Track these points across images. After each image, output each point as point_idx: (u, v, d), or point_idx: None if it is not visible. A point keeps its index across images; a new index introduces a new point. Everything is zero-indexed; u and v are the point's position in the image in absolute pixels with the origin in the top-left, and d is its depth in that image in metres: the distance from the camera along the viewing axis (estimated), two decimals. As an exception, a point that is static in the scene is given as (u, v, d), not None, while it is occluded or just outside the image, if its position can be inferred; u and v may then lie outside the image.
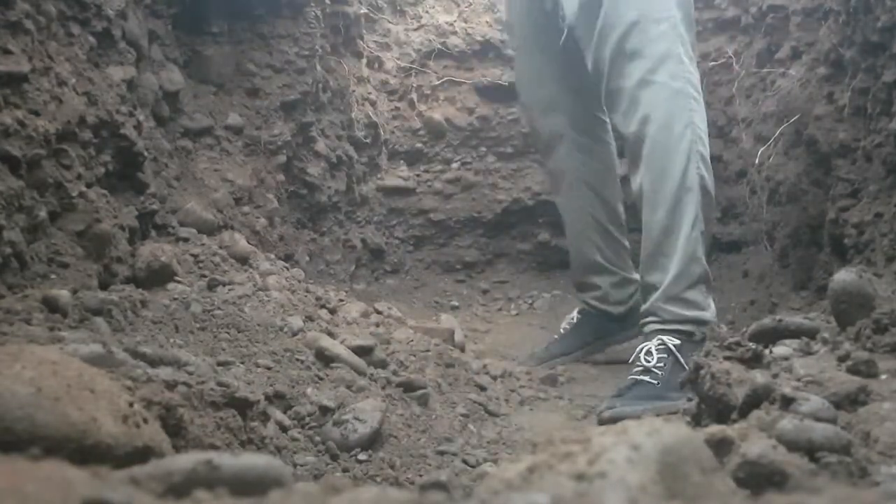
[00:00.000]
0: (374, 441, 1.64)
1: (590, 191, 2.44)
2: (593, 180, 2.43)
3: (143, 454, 0.85)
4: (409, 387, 1.84)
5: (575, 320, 2.55)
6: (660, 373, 1.97)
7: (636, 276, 2.37)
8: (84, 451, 0.79)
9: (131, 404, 0.88)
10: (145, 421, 0.89)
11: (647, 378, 1.97)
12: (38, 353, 0.85)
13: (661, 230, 2.04)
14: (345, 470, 1.54)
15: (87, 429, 0.80)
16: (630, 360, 2.06)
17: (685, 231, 2.02)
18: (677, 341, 2.01)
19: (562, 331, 2.59)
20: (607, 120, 2.39)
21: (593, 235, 2.45)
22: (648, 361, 1.99)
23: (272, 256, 2.38)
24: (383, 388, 1.87)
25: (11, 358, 0.82)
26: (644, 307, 2.12)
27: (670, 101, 2.01)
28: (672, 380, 1.92)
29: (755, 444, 0.81)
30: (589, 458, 0.51)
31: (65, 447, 0.77)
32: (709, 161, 2.08)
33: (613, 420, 1.78)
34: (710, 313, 2.08)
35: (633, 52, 2.02)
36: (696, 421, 1.16)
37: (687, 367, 1.76)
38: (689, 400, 1.20)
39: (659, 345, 2.01)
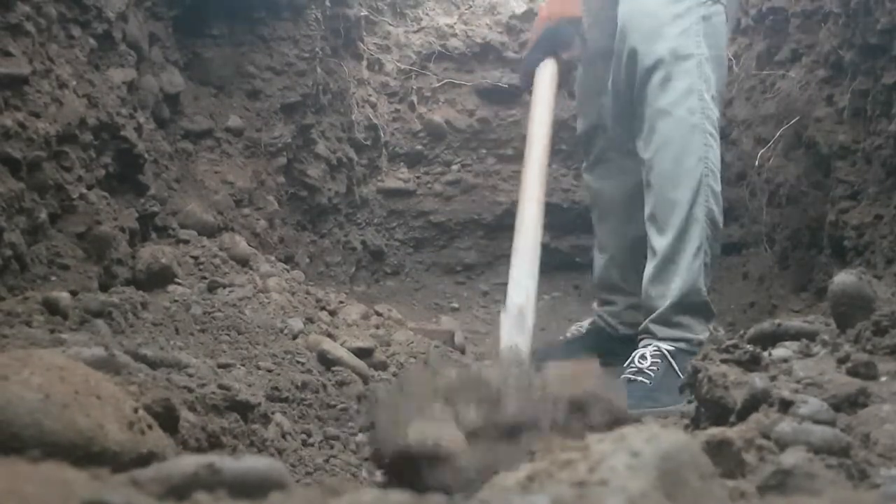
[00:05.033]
0: (374, 443, 1.64)
1: (624, 213, 2.40)
2: (629, 202, 2.36)
3: (148, 461, 0.85)
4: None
5: (584, 331, 2.55)
6: (652, 374, 1.98)
7: None
8: (90, 458, 0.78)
9: (136, 410, 0.88)
10: (150, 427, 0.89)
11: (640, 378, 1.98)
12: (45, 359, 0.85)
13: (665, 256, 2.06)
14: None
15: (93, 435, 0.80)
16: (625, 364, 2.05)
17: (688, 260, 2.05)
18: (671, 348, 2.02)
19: (568, 335, 2.59)
20: None
21: (618, 256, 2.45)
22: (642, 364, 2.00)
23: (272, 258, 2.38)
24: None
25: (19, 363, 0.81)
26: (641, 326, 2.13)
27: (687, 135, 2.06)
28: (664, 383, 1.94)
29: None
30: (589, 466, 0.51)
31: (71, 454, 0.77)
32: (720, 196, 2.11)
33: None
34: (703, 336, 2.04)
35: (658, 83, 2.08)
36: (695, 424, 1.15)
37: (680, 374, 1.89)
38: (689, 402, 1.19)
39: (654, 350, 2.03)
